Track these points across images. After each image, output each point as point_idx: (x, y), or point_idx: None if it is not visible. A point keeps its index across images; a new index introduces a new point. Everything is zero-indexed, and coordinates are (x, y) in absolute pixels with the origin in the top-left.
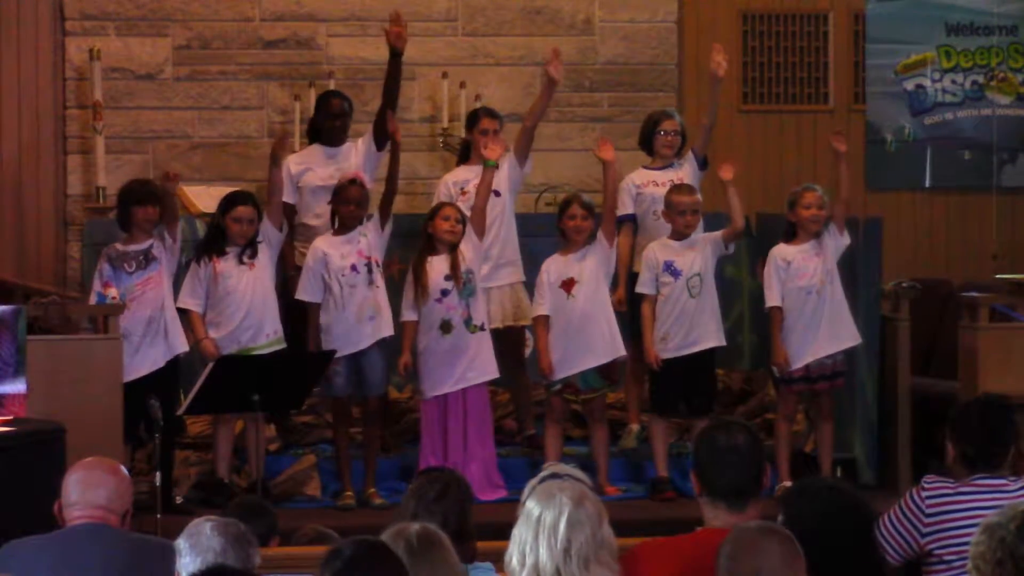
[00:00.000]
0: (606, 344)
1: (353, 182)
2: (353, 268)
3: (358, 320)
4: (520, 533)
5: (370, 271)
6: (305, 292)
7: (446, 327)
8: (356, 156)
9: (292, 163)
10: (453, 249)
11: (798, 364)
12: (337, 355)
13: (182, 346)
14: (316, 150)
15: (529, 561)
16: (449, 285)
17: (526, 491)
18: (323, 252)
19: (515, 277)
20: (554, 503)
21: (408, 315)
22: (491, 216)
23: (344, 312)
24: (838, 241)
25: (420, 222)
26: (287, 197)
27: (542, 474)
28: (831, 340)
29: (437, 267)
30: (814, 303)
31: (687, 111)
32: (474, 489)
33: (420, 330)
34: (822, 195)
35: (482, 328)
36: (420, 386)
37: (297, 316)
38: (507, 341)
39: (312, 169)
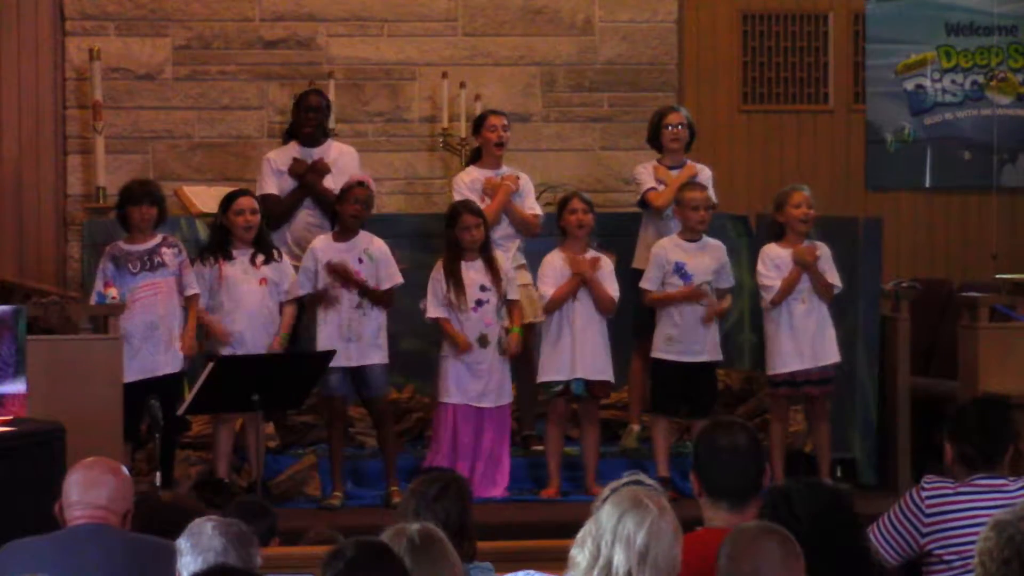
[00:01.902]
0: (602, 361)
1: (361, 184)
2: (342, 284)
3: (340, 337)
4: (595, 531)
5: (362, 295)
6: (299, 288)
7: (483, 341)
8: (335, 158)
9: (275, 159)
10: (486, 252)
11: (784, 370)
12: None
13: (183, 364)
14: (292, 150)
15: (602, 560)
16: (485, 296)
17: (606, 491)
18: (318, 256)
19: (525, 279)
20: (640, 508)
21: (437, 312)
22: (504, 222)
23: (327, 321)
24: (834, 277)
25: (421, 222)
26: (270, 188)
27: (625, 479)
28: (814, 354)
29: (472, 275)
30: (801, 310)
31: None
32: (475, 485)
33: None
34: (809, 195)
35: (504, 351)
36: (442, 387)
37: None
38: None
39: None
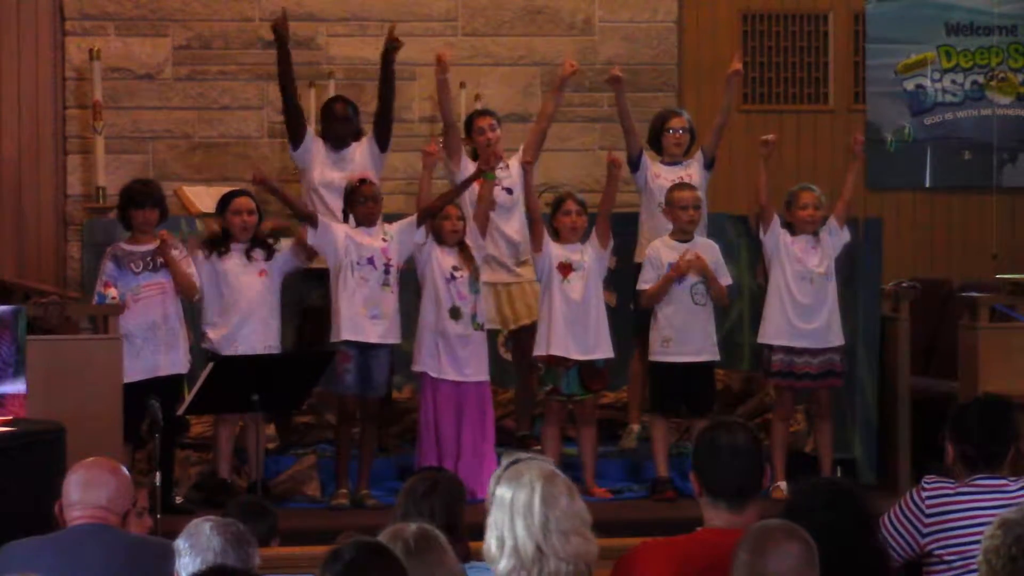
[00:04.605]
0: (596, 342)
1: (363, 181)
2: (370, 261)
3: (362, 314)
4: (495, 519)
5: (387, 273)
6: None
7: (455, 313)
8: (361, 158)
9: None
10: (461, 244)
11: (778, 342)
12: (343, 338)
13: (186, 365)
14: (321, 148)
15: (508, 544)
16: (457, 273)
17: (491, 482)
18: (345, 232)
19: (530, 275)
20: (524, 482)
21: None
22: (513, 215)
23: (353, 298)
24: (838, 237)
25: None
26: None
27: (504, 463)
28: (817, 335)
29: (445, 259)
30: (809, 292)
31: (687, 111)
32: (470, 483)
33: (428, 306)
34: (819, 195)
35: (483, 328)
36: (416, 357)
37: (310, 319)
38: (522, 339)
39: (316, 168)
